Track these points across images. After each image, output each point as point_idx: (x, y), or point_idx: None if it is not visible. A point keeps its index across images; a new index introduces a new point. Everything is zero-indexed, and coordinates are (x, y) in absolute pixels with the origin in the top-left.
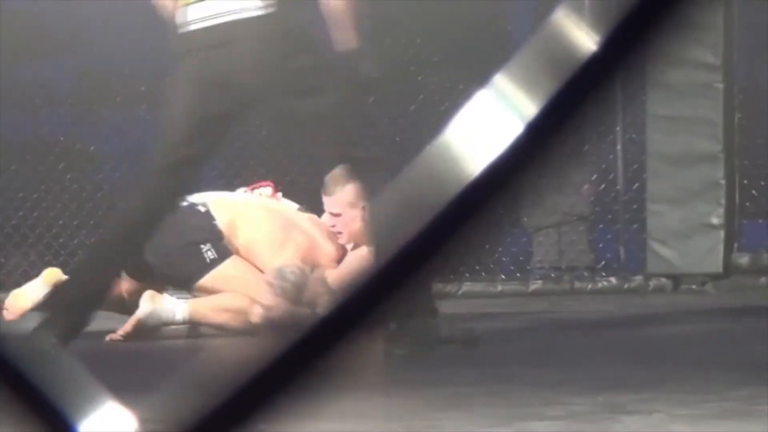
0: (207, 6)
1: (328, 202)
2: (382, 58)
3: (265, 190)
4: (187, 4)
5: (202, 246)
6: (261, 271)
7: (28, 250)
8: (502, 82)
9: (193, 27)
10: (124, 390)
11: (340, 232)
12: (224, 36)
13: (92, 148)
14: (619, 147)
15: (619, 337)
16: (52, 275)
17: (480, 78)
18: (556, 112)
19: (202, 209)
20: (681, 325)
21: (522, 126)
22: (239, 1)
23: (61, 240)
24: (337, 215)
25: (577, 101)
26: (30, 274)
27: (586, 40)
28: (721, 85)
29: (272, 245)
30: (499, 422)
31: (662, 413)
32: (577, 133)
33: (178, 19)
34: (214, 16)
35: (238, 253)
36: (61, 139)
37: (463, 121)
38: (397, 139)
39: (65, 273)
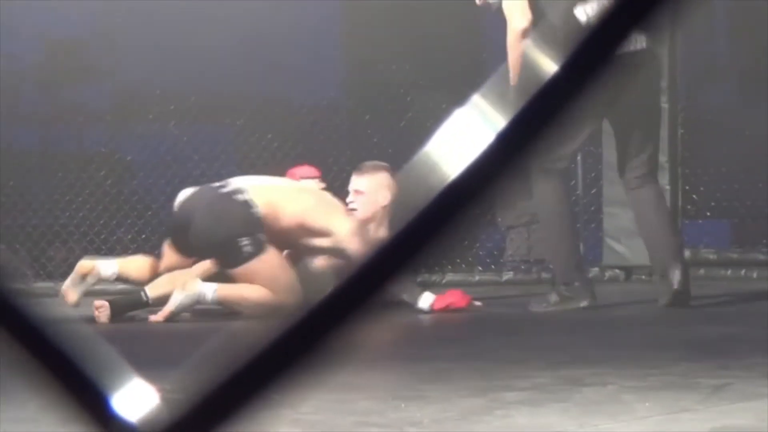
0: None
1: (356, 180)
2: (377, 81)
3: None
4: None
5: (241, 240)
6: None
7: (73, 245)
8: (478, 100)
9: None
10: (152, 366)
11: (355, 209)
12: (636, 61)
13: (129, 158)
14: (579, 158)
15: (577, 320)
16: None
17: (460, 99)
18: (523, 125)
19: (242, 197)
20: (631, 310)
21: (493, 137)
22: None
23: (102, 237)
24: (360, 193)
25: (541, 116)
26: (75, 266)
27: (549, 64)
28: (666, 105)
29: (325, 209)
30: (475, 393)
31: (615, 385)
32: (541, 143)
33: None
34: (638, 45)
35: (282, 233)
36: (102, 150)
37: (445, 133)
38: (390, 150)
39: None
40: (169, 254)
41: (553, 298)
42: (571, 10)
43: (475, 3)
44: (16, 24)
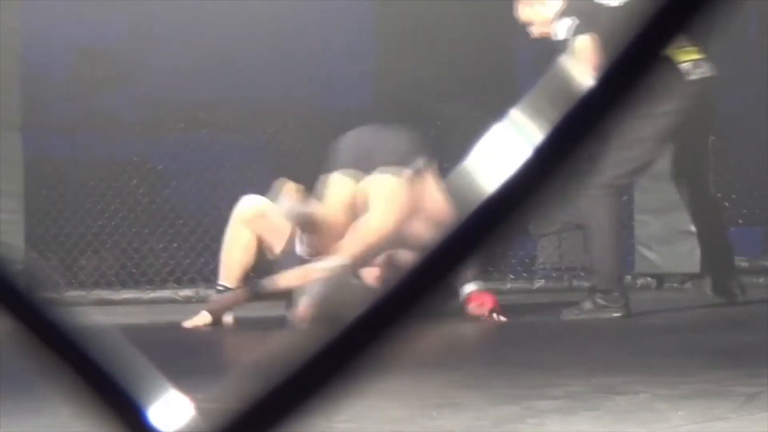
0: (699, 65)
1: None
2: (407, 89)
3: None
4: (688, 60)
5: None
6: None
7: (105, 254)
8: (515, 114)
9: (693, 77)
10: (189, 376)
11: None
12: (706, 87)
13: (160, 167)
14: None
15: (609, 328)
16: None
17: (489, 107)
18: (560, 139)
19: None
20: (663, 318)
21: (531, 151)
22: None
23: (134, 245)
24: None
25: (577, 129)
26: (107, 274)
27: (586, 78)
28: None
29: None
30: (508, 401)
31: (647, 393)
32: (578, 155)
33: (684, 69)
34: (702, 73)
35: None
36: (134, 159)
37: (483, 146)
38: None
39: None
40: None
41: (587, 306)
42: None
43: (514, 15)
44: (47, 33)
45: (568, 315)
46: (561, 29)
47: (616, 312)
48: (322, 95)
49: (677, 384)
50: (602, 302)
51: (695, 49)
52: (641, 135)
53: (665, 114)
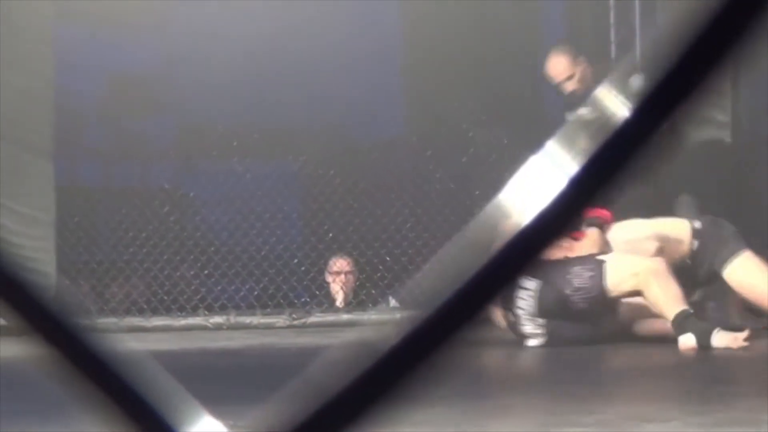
0: None
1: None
2: (438, 116)
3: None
4: None
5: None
6: None
7: (136, 281)
8: (551, 145)
9: None
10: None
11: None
12: None
13: (192, 194)
14: (639, 195)
15: (641, 356)
16: None
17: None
18: (595, 170)
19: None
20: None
21: (566, 181)
22: None
23: (165, 273)
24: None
25: (612, 161)
26: (138, 302)
27: (621, 109)
28: (729, 140)
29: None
30: (538, 428)
31: (678, 421)
32: (613, 186)
33: None
34: None
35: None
36: (166, 186)
37: (520, 178)
38: (452, 186)
39: None
40: None
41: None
42: None
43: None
44: (79, 59)
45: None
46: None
47: None
48: (354, 122)
49: (708, 412)
50: None
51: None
52: None
53: None
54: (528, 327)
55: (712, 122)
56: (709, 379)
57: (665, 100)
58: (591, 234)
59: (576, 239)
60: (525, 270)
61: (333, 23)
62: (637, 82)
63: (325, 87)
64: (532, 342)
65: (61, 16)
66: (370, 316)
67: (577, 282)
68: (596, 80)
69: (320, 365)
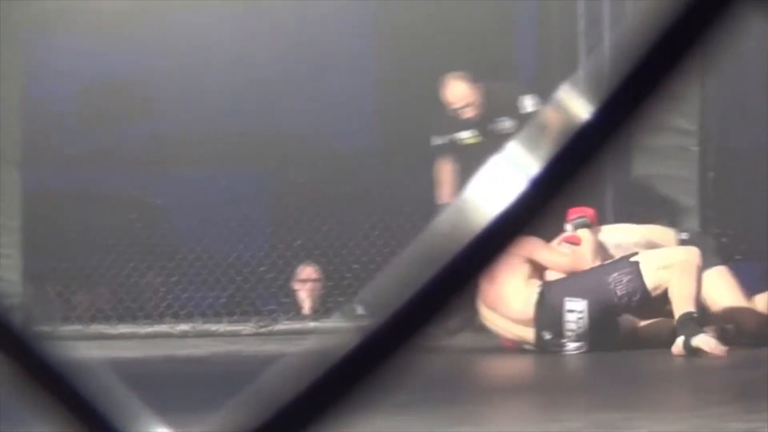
0: None
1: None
2: (411, 128)
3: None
4: None
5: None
6: None
7: (103, 288)
8: (513, 147)
9: None
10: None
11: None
12: None
13: (160, 201)
14: (608, 201)
15: (607, 364)
16: None
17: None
18: (556, 171)
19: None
20: (663, 355)
21: (527, 182)
22: None
23: (132, 280)
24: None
25: (573, 162)
26: (104, 309)
27: (581, 110)
28: (696, 148)
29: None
30: None
31: (645, 429)
32: (574, 189)
33: None
34: None
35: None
36: (134, 193)
37: (481, 178)
38: (420, 195)
39: None
40: None
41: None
42: None
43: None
44: (50, 66)
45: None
46: (528, 104)
47: None
48: (324, 131)
49: (675, 420)
50: None
51: None
52: None
53: None
54: (572, 346)
55: (678, 130)
56: (687, 386)
57: (626, 103)
58: (585, 237)
59: (575, 244)
60: (483, 273)
61: (305, 32)
62: (528, 102)
63: (296, 96)
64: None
65: (34, 22)
66: (337, 323)
67: (619, 290)
68: (498, 103)
69: (276, 372)
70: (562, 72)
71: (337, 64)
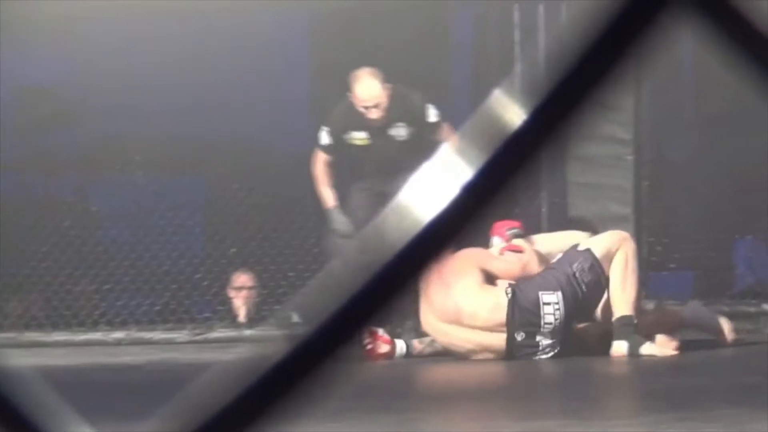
0: None
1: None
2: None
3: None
4: None
5: None
6: None
7: (36, 296)
8: (445, 152)
9: None
10: (124, 417)
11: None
12: None
13: (94, 207)
14: (544, 210)
15: (543, 371)
16: None
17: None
18: (488, 177)
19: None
20: (596, 362)
21: (459, 188)
22: None
23: (66, 287)
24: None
25: (506, 168)
26: (37, 317)
27: (514, 117)
28: (631, 157)
29: None
30: None
31: None
32: (507, 196)
33: None
34: None
35: None
36: (68, 199)
37: (413, 184)
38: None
39: None
40: None
41: None
42: None
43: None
44: None
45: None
46: (431, 113)
47: None
48: (259, 137)
49: (609, 427)
50: None
51: None
52: None
53: None
54: (547, 340)
55: (613, 139)
56: (625, 391)
57: (560, 110)
58: (525, 246)
59: (519, 252)
60: (417, 279)
61: (240, 37)
62: (431, 112)
63: (231, 101)
64: (543, 356)
65: None
66: (272, 331)
67: (585, 279)
68: (400, 108)
69: (209, 379)
70: (498, 79)
71: (273, 71)
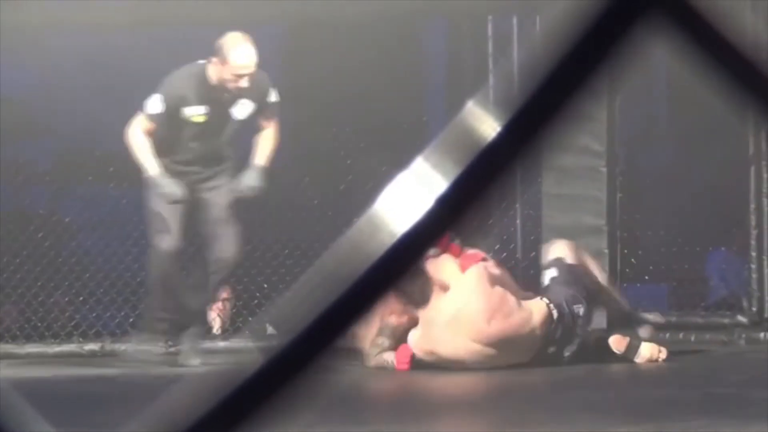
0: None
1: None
2: (316, 143)
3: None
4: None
5: None
6: None
7: (10, 307)
8: (419, 164)
9: None
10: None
11: None
12: None
13: (67, 219)
14: (518, 221)
15: (512, 383)
16: None
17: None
18: (463, 189)
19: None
20: (569, 373)
21: (433, 200)
22: None
23: (40, 299)
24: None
25: (480, 180)
26: (11, 328)
27: (488, 129)
28: (605, 169)
29: None
30: None
31: None
32: (481, 208)
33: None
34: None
35: None
36: (41, 211)
37: (387, 196)
38: (329, 213)
39: None
40: None
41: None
42: None
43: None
44: None
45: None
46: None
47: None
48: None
49: None
50: None
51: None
52: None
53: None
54: (569, 351)
55: (587, 151)
56: (590, 402)
57: (534, 122)
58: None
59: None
60: (390, 290)
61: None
62: (273, 94)
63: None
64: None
65: None
66: (247, 343)
67: (586, 281)
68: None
69: (183, 390)
70: (472, 91)
71: None
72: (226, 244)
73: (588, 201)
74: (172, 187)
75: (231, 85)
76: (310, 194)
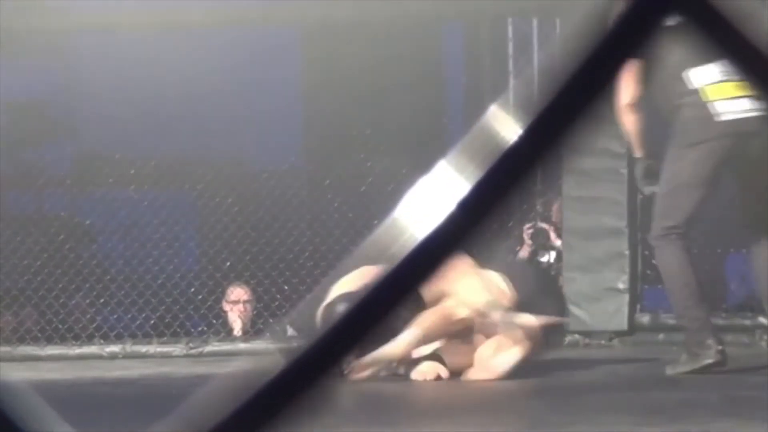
0: (739, 103)
1: None
2: (337, 145)
3: None
4: (722, 98)
5: None
6: None
7: (31, 310)
8: (442, 167)
9: (726, 117)
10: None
11: None
12: (744, 126)
13: (87, 222)
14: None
15: (535, 385)
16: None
17: (420, 164)
18: (484, 193)
19: None
20: (592, 376)
21: (455, 204)
22: (756, 102)
23: (61, 301)
24: None
25: (501, 183)
26: (32, 330)
27: (510, 132)
28: (625, 171)
29: None
30: None
31: None
32: (503, 210)
33: (710, 110)
34: (740, 112)
35: None
36: (61, 214)
37: (410, 200)
38: (350, 215)
39: None
40: None
41: (683, 358)
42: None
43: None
44: None
45: (671, 370)
46: None
47: (708, 359)
48: (252, 151)
49: None
50: (696, 351)
51: (735, 85)
52: (679, 181)
53: (698, 157)
54: None
55: (608, 153)
56: (610, 403)
57: (555, 125)
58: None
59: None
60: (411, 294)
61: (231, 51)
62: None
63: (224, 115)
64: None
65: None
66: (268, 345)
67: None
68: None
69: (206, 393)
70: (493, 94)
71: (265, 86)
72: None
73: (608, 203)
74: None
75: None
76: (330, 196)
